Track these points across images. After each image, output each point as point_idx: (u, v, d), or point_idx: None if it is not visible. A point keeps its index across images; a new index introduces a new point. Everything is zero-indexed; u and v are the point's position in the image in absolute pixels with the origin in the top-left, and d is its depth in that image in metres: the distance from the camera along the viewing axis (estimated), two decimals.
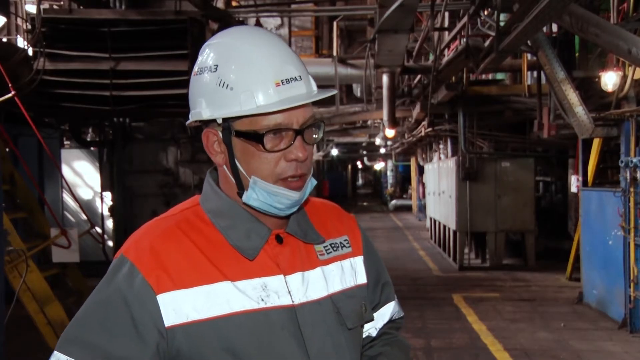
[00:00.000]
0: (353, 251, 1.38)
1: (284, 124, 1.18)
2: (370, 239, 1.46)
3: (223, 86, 1.18)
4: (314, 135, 1.23)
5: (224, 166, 1.24)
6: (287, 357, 1.20)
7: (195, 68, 1.24)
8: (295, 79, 1.19)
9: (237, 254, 1.22)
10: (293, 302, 1.23)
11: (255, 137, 1.18)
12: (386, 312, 1.45)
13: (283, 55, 1.20)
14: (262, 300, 1.20)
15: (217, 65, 1.19)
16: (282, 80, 1.18)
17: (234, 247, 1.22)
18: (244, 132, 1.19)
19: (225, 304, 1.18)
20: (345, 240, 1.38)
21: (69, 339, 1.18)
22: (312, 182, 1.24)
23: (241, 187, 1.22)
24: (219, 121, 1.20)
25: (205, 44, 1.26)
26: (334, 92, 1.27)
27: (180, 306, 1.16)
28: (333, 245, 1.34)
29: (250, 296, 1.19)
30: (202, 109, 1.21)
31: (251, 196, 1.21)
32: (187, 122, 1.28)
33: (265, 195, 1.20)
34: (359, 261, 1.38)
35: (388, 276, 1.46)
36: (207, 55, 1.22)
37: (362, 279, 1.37)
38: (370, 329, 1.42)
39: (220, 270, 1.20)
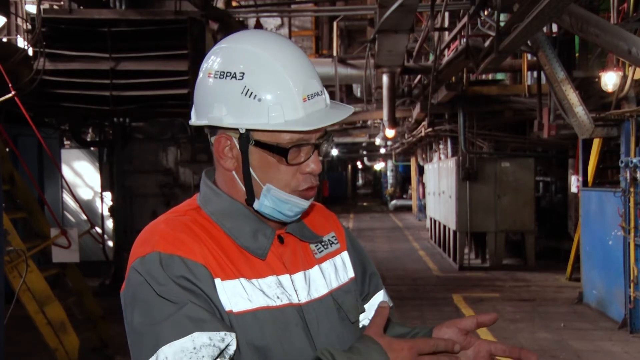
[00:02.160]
0: (341, 247, 1.41)
1: (305, 139, 1.20)
2: (352, 233, 1.50)
3: (250, 96, 1.17)
4: (324, 149, 1.26)
5: (233, 172, 1.24)
6: (302, 352, 1.22)
7: (205, 71, 1.21)
8: (318, 94, 1.22)
9: (246, 254, 1.23)
10: (300, 300, 1.25)
11: (278, 151, 1.19)
12: (376, 302, 1.46)
13: (308, 69, 1.22)
14: (278, 297, 1.22)
15: (243, 74, 1.17)
16: (308, 96, 1.19)
17: (242, 247, 1.23)
18: (267, 144, 1.19)
19: (249, 301, 1.19)
20: (333, 237, 1.41)
21: (163, 329, 1.10)
22: None
23: (250, 193, 1.23)
24: (242, 131, 1.19)
25: (220, 45, 1.24)
26: (352, 110, 1.29)
27: (221, 295, 1.17)
28: (324, 244, 1.37)
29: (267, 294, 1.21)
30: (222, 115, 1.19)
31: (263, 203, 1.23)
32: (200, 123, 1.24)
33: (278, 202, 1.22)
34: (345, 255, 1.41)
35: (374, 267, 1.49)
36: (227, 59, 1.20)
37: (351, 272, 1.40)
38: (364, 320, 1.44)
39: (237, 268, 1.21)
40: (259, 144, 1.19)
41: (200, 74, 1.23)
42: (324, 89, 1.25)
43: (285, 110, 1.17)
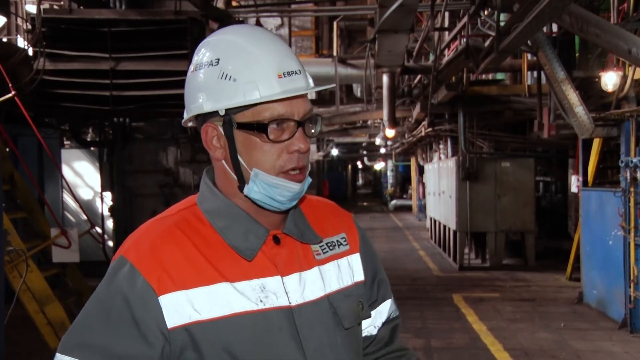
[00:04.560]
0: (350, 249, 1.38)
1: (286, 114, 1.19)
2: (368, 237, 1.46)
3: (225, 78, 1.18)
4: (312, 130, 1.25)
5: (223, 161, 1.24)
6: (284, 357, 1.20)
7: (192, 66, 1.25)
8: (296, 73, 1.21)
9: (235, 254, 1.22)
10: (290, 303, 1.23)
11: (258, 128, 1.18)
12: (384, 310, 1.45)
13: (283, 50, 1.23)
14: (261, 301, 1.20)
15: (218, 59, 1.20)
16: (284, 73, 1.19)
17: (232, 247, 1.22)
18: (247, 124, 1.19)
19: (226, 305, 1.18)
20: (342, 238, 1.37)
21: (71, 341, 1.18)
22: (308, 180, 1.25)
23: (242, 181, 1.22)
24: (221, 113, 1.19)
25: (202, 42, 1.27)
26: (333, 85, 1.33)
27: (182, 307, 1.16)
28: (329, 244, 1.34)
29: (249, 297, 1.19)
30: (203, 102, 1.21)
31: (252, 189, 1.21)
32: (184, 119, 1.28)
33: (267, 187, 1.20)
34: (355, 258, 1.38)
35: (384, 274, 1.47)
36: (205, 52, 1.23)
37: (359, 276, 1.37)
38: (369, 327, 1.42)
39: (219, 271, 1.20)
40: (240, 126, 1.19)
41: (187, 73, 1.27)
42: (305, 71, 1.24)
43: (260, 86, 1.17)
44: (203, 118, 1.24)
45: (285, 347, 1.20)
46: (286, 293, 1.23)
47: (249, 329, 1.18)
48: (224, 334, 1.17)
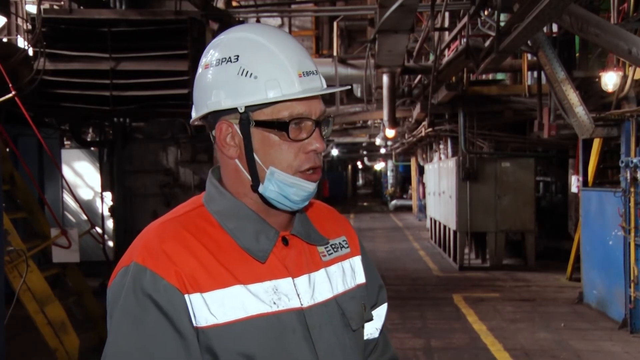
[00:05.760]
0: (352, 251, 1.39)
1: (305, 113, 1.19)
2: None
3: (246, 75, 1.18)
4: (324, 131, 1.25)
5: (236, 160, 1.23)
6: (299, 359, 1.20)
7: (204, 63, 1.23)
8: (313, 73, 1.22)
9: (247, 256, 1.21)
10: (302, 304, 1.23)
11: (279, 126, 1.18)
12: (382, 313, 1.46)
13: (301, 50, 1.24)
14: (275, 303, 1.19)
15: (237, 56, 1.19)
16: (304, 72, 1.20)
17: (243, 249, 1.21)
18: (267, 122, 1.18)
19: (241, 309, 1.17)
20: (343, 240, 1.38)
21: None
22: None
23: (256, 180, 1.21)
24: (241, 110, 1.18)
25: (215, 40, 1.26)
26: (348, 87, 1.37)
27: (200, 310, 1.15)
28: (333, 246, 1.35)
29: (263, 300, 1.19)
30: (221, 99, 1.19)
31: (268, 187, 1.20)
32: (194, 117, 1.26)
33: (283, 186, 1.20)
34: (357, 261, 1.39)
35: (380, 278, 1.49)
36: (221, 49, 1.21)
37: (361, 278, 1.38)
38: (372, 330, 1.42)
39: (232, 273, 1.18)
40: (259, 124, 1.18)
41: (198, 70, 1.25)
42: (319, 72, 1.25)
43: (282, 85, 1.17)
44: (215, 116, 1.22)
45: (299, 349, 1.20)
46: (298, 295, 1.23)
47: (264, 332, 1.17)
48: (240, 337, 1.16)
